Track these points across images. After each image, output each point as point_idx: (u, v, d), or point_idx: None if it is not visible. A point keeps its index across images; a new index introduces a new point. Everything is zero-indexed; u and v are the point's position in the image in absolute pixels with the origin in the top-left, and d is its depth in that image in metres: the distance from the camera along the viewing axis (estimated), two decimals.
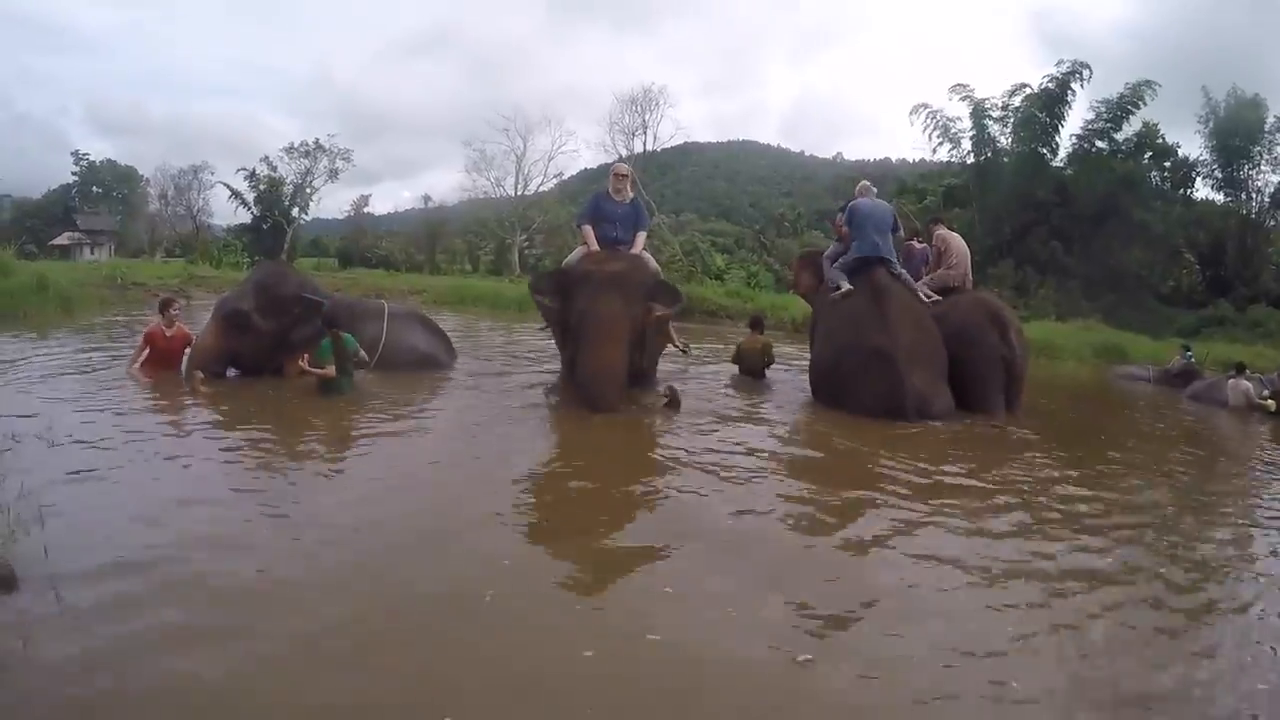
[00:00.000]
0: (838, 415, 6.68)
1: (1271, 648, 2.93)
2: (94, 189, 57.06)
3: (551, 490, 4.36)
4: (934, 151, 29.58)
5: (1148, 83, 26.28)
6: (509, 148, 43.02)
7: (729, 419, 6.48)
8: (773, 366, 9.00)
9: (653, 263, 7.28)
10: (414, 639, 2.62)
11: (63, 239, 49.47)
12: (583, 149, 76.66)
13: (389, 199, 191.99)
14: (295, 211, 44.09)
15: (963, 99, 28.09)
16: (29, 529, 3.00)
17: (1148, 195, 27.33)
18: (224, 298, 7.56)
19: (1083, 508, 4.56)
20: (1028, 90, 27.05)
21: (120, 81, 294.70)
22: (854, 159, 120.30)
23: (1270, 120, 26.22)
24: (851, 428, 6.23)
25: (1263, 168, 26.79)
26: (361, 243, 49.14)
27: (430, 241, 46.70)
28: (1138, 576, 3.56)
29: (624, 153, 40.47)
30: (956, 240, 8.45)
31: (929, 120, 28.65)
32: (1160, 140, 28.22)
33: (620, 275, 6.59)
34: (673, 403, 6.58)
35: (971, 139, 28.11)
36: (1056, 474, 5.38)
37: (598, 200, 7.29)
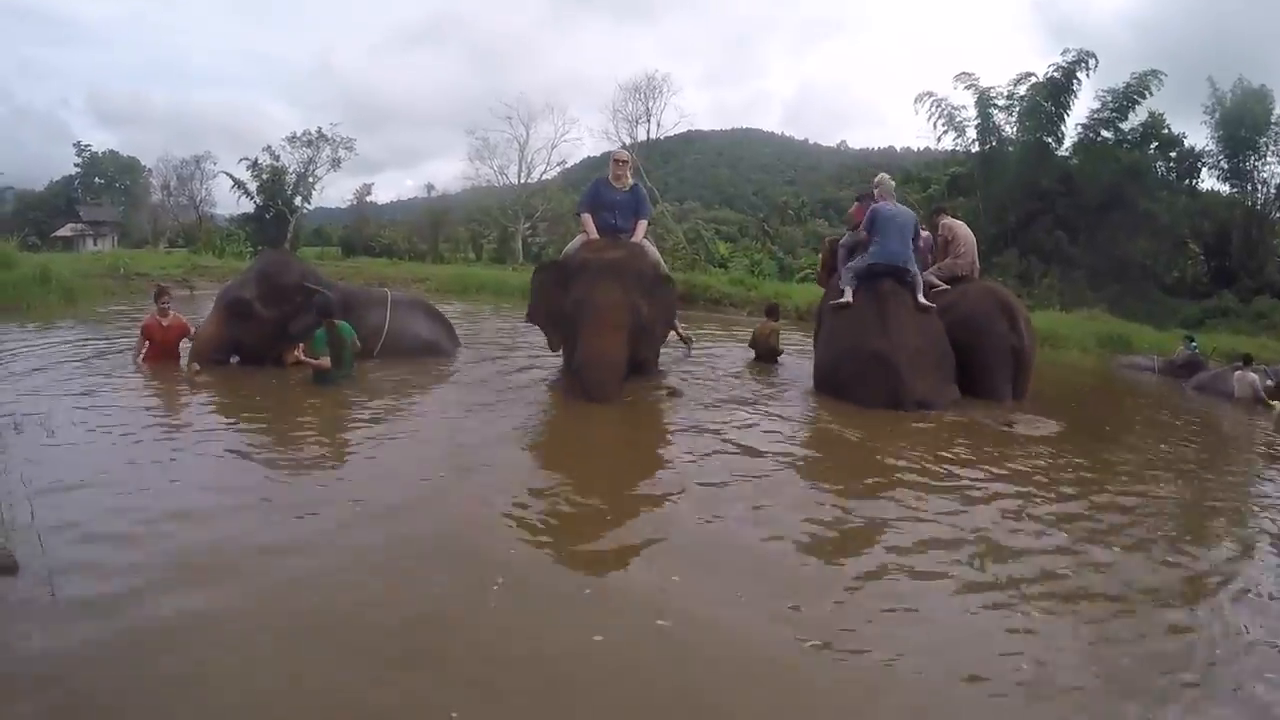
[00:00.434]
0: (842, 406, 6.64)
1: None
2: (96, 180, 56.97)
3: (557, 480, 4.34)
4: (938, 140, 29.33)
5: (1154, 73, 26.04)
6: (512, 136, 42.95)
7: (737, 406, 6.49)
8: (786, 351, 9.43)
9: (653, 251, 7.27)
10: (419, 627, 2.62)
11: (65, 230, 49.41)
12: (586, 137, 77.08)
13: (392, 188, 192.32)
14: (298, 201, 43.95)
15: (968, 88, 27.86)
16: (27, 518, 3.00)
17: (1153, 185, 27.14)
18: (227, 286, 7.60)
19: (1088, 500, 4.55)
20: (1033, 79, 26.83)
21: (122, 72, 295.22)
22: (858, 147, 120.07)
23: (1277, 111, 25.99)
24: (857, 417, 6.21)
25: (1269, 159, 26.56)
26: (364, 231, 49.02)
27: (433, 230, 46.60)
28: (1150, 573, 3.55)
29: (627, 140, 40.33)
30: (963, 229, 8.40)
31: (934, 109, 28.43)
32: (1166, 130, 27.96)
33: (619, 263, 6.57)
34: (673, 393, 6.61)
35: (976, 128, 27.90)
36: (1061, 462, 5.36)
37: (597, 187, 7.26)
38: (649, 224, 7.56)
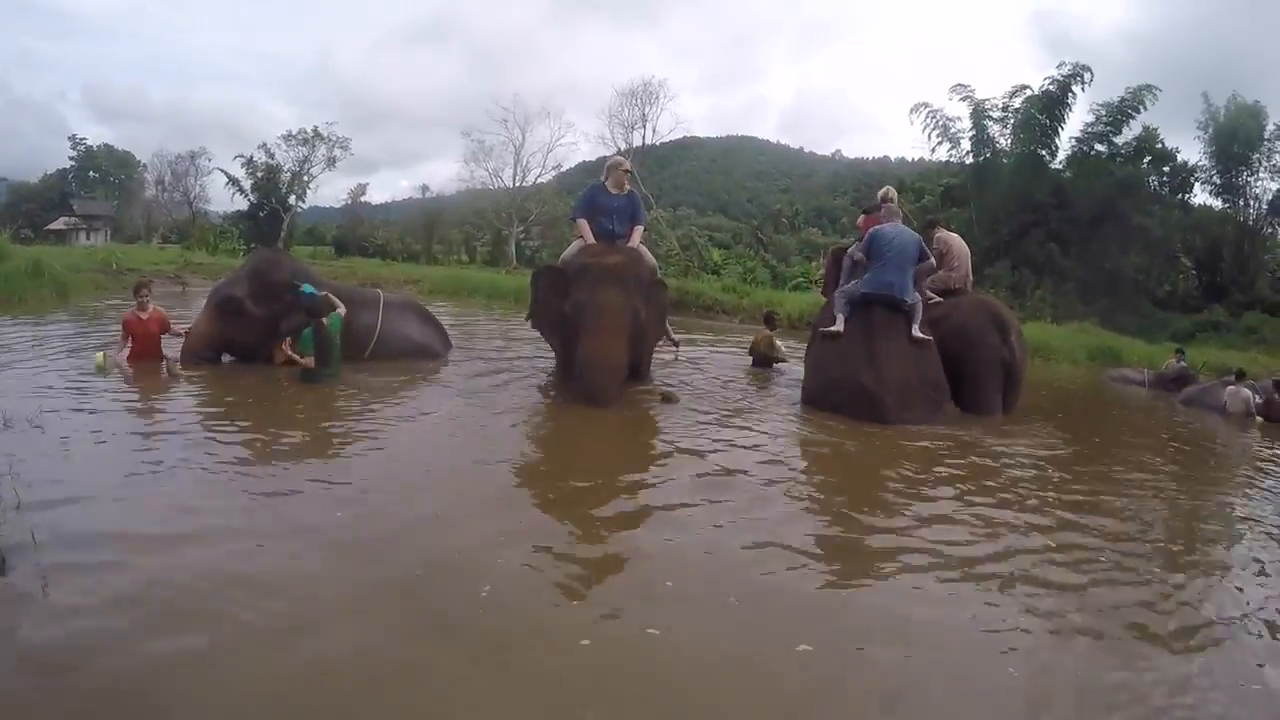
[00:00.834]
0: (828, 419, 6.60)
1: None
2: (91, 174, 56.91)
3: (549, 485, 4.35)
4: (933, 151, 29.59)
5: (1148, 87, 26.29)
6: (508, 139, 42.96)
7: (730, 412, 6.49)
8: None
9: (650, 257, 7.29)
10: (410, 631, 2.60)
11: (59, 224, 49.29)
12: (581, 141, 76.94)
13: (387, 188, 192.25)
14: (292, 199, 43.86)
15: (963, 99, 28.09)
16: (16, 514, 2.98)
17: (1145, 199, 27.38)
18: (219, 284, 7.59)
19: (1078, 513, 4.56)
20: (1028, 92, 27.05)
21: (120, 66, 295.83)
22: (853, 156, 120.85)
23: (1270, 128, 26.31)
24: (842, 429, 6.21)
25: (1261, 175, 26.90)
26: (358, 231, 48.96)
27: (427, 231, 46.60)
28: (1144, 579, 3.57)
29: (622, 146, 40.43)
30: (958, 242, 8.42)
31: (929, 119, 28.65)
32: (1160, 145, 28.26)
33: (620, 268, 6.60)
34: (668, 399, 6.61)
35: (971, 139, 28.10)
36: (1048, 473, 5.38)
37: (594, 193, 7.27)
38: (643, 229, 7.58)
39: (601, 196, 7.19)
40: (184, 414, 5.33)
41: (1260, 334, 22.25)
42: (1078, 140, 27.30)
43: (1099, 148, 27.09)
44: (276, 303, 7.09)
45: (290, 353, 6.54)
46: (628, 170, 7.41)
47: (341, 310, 6.90)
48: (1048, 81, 26.83)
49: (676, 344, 9.53)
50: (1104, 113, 26.75)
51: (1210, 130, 27.19)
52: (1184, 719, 2.49)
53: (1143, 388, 12.75)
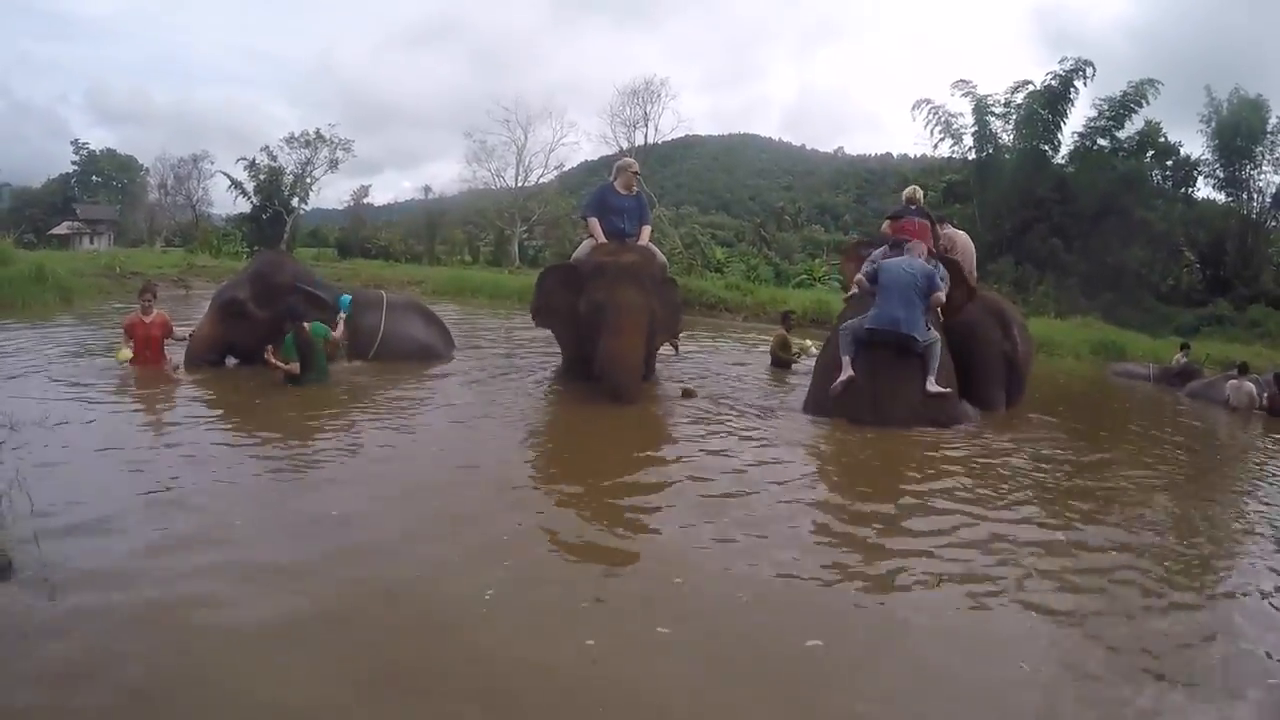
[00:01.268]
0: (834, 422, 6.56)
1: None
2: (93, 178, 56.90)
3: (556, 484, 4.34)
4: (935, 147, 29.56)
5: (1150, 81, 26.24)
6: (510, 139, 42.80)
7: (742, 411, 6.49)
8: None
9: (660, 255, 7.39)
10: (413, 632, 2.61)
11: (62, 228, 49.34)
12: (583, 141, 76.68)
13: (389, 189, 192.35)
14: (295, 201, 43.83)
15: (965, 95, 28.09)
16: (22, 517, 2.99)
17: (1148, 194, 27.35)
18: (222, 286, 7.61)
19: (1085, 506, 4.56)
20: (1030, 87, 27.03)
21: (122, 69, 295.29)
22: (855, 153, 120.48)
23: (1273, 121, 26.17)
24: (854, 426, 6.20)
25: (1264, 168, 26.76)
26: (361, 233, 48.92)
27: (430, 232, 46.52)
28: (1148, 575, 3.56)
29: (625, 145, 40.31)
30: (964, 239, 8.37)
31: (931, 116, 28.64)
32: (1162, 139, 28.21)
33: (636, 266, 6.71)
34: (689, 394, 6.81)
35: (973, 135, 28.10)
36: (1051, 469, 5.37)
37: (604, 193, 7.32)
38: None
39: (611, 196, 7.25)
40: (189, 419, 5.34)
41: (1264, 327, 22.21)
42: (1080, 135, 27.30)
43: (1101, 142, 27.07)
44: (280, 305, 7.09)
45: (273, 360, 6.48)
46: (636, 172, 7.46)
47: (340, 325, 6.93)
48: (1050, 77, 26.86)
49: (676, 348, 9.54)
50: (1106, 107, 26.73)
51: (1213, 124, 27.09)
52: None
53: (1147, 382, 12.73)
